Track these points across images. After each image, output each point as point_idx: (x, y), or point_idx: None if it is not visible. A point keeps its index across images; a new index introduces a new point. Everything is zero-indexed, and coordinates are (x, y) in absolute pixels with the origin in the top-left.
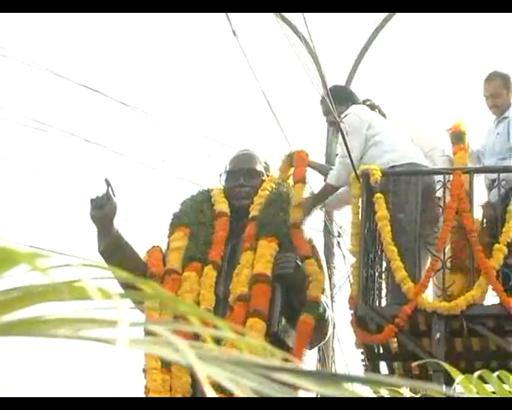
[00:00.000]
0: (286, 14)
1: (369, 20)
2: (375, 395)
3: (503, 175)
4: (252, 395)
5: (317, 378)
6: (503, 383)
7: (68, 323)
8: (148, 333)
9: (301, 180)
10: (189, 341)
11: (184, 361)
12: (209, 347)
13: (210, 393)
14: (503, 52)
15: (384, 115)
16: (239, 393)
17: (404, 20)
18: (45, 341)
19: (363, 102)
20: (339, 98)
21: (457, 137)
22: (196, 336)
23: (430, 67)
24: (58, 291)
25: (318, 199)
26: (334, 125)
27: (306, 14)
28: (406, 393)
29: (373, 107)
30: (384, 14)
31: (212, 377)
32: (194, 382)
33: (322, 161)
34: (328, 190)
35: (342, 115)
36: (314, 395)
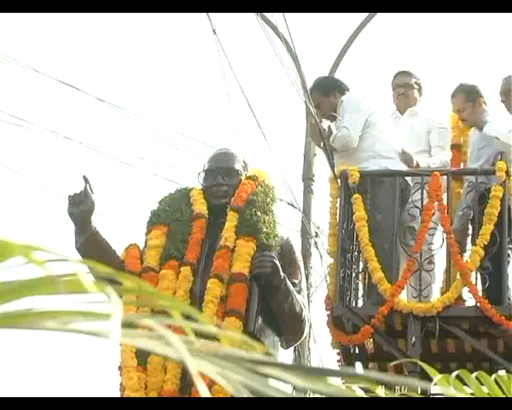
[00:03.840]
0: (266, 14)
1: (349, 21)
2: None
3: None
4: (240, 388)
5: (303, 373)
6: (482, 384)
7: (58, 316)
8: (127, 326)
9: None
10: (178, 334)
11: (176, 355)
12: (197, 341)
13: (200, 386)
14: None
15: None
16: (228, 386)
17: (385, 21)
18: (34, 334)
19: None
20: (323, 89)
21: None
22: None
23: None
24: (53, 284)
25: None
26: (326, 117)
27: (287, 14)
28: (381, 393)
29: None
30: (365, 15)
31: (203, 371)
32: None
33: (300, 159)
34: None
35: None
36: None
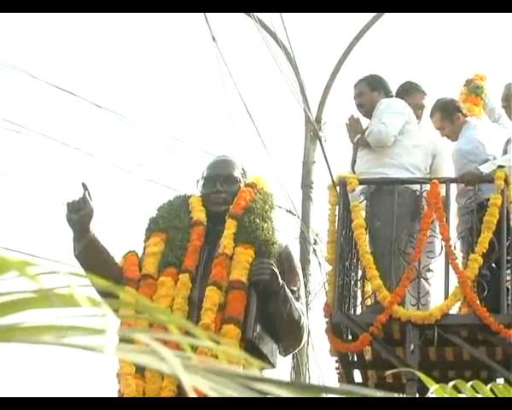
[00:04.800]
0: (265, 21)
1: (348, 29)
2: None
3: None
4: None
5: (298, 389)
6: (477, 393)
7: (53, 330)
8: (125, 341)
9: None
10: (172, 349)
11: (170, 371)
12: (191, 356)
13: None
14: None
15: None
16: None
17: (384, 28)
18: (28, 348)
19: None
20: (371, 82)
21: (475, 88)
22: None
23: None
24: (47, 298)
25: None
26: (362, 108)
27: (286, 21)
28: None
29: None
30: (364, 22)
31: (196, 386)
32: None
33: (299, 166)
34: (364, 143)
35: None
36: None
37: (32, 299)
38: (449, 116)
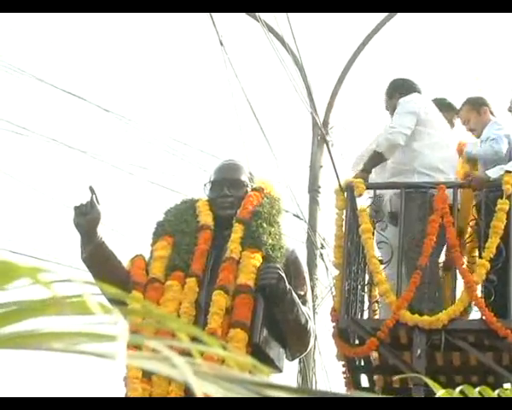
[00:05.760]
0: (272, 24)
1: (355, 33)
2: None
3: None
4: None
5: (308, 396)
6: None
7: (65, 337)
8: (133, 347)
9: None
10: (183, 355)
11: (181, 377)
12: (201, 362)
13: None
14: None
15: None
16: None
17: (392, 32)
18: (40, 354)
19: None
20: (387, 91)
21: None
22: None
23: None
24: (58, 305)
25: (367, 168)
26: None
27: (293, 25)
28: None
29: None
30: (372, 25)
31: (207, 392)
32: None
33: (306, 171)
34: (376, 158)
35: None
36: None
37: (43, 306)
38: (476, 108)
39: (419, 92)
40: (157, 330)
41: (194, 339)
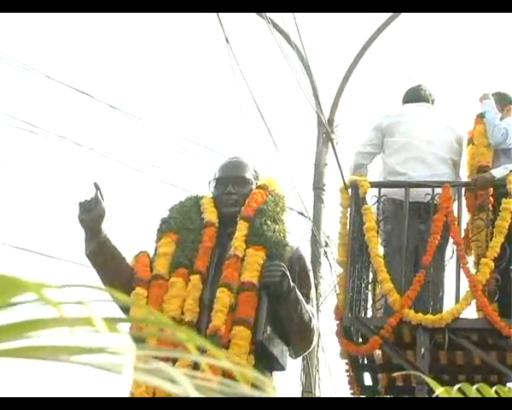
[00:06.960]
0: (278, 22)
1: (361, 31)
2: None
3: None
4: None
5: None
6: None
7: (71, 350)
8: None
9: None
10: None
11: (182, 393)
12: (202, 375)
13: None
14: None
15: None
16: None
17: (398, 31)
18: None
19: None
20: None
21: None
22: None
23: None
24: (64, 321)
25: None
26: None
27: (299, 23)
28: None
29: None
30: (378, 24)
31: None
32: None
33: (311, 169)
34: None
35: None
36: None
37: (48, 321)
38: (501, 103)
39: (406, 102)
40: (159, 339)
41: (203, 351)
